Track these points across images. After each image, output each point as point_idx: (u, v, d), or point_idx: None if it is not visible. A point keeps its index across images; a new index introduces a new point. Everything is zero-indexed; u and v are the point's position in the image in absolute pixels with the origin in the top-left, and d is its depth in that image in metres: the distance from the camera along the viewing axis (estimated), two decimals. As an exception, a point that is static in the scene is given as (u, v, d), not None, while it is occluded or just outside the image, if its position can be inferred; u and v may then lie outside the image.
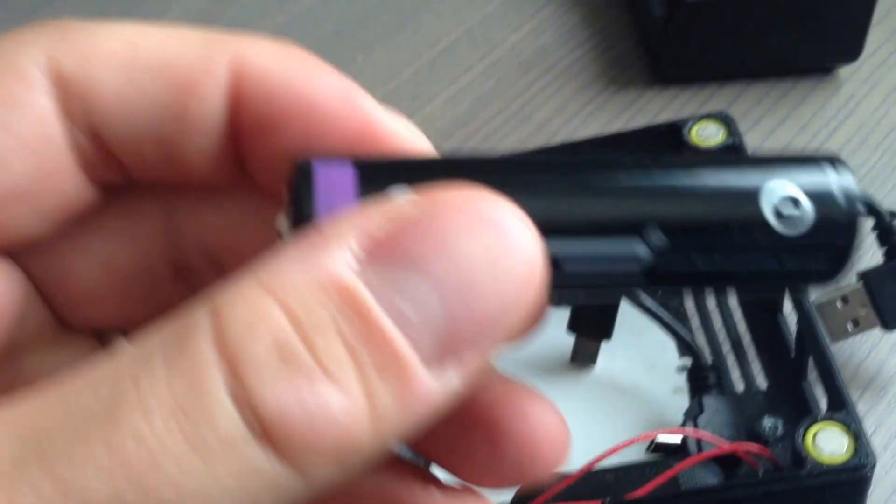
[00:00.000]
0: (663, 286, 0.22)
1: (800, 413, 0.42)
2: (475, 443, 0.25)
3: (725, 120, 0.49)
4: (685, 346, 0.48)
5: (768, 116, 0.61)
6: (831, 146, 0.60)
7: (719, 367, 0.48)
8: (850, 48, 0.62)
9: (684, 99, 0.62)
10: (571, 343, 0.49)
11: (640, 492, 0.40)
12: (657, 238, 0.21)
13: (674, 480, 0.41)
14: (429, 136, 0.59)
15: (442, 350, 0.20)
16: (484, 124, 0.61)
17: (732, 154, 0.48)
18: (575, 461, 0.42)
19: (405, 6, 0.68)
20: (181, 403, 0.19)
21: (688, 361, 0.48)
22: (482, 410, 0.24)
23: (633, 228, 0.22)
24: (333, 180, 0.21)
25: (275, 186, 0.24)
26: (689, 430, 0.43)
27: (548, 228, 0.21)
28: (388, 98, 0.62)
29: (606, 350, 0.49)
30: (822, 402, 0.44)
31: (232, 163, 0.25)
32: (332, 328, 0.19)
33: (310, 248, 0.20)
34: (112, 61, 0.23)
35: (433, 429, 0.22)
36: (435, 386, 0.20)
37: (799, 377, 0.45)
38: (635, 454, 0.44)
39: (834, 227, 0.22)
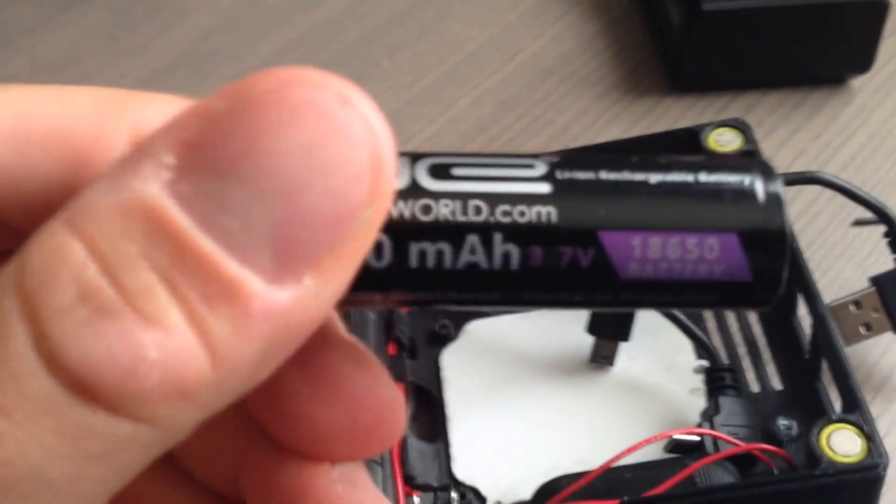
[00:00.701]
0: (574, 209, 0.19)
1: (814, 414, 0.43)
2: (323, 412, 0.22)
3: (742, 127, 0.49)
4: (702, 348, 0.49)
5: (783, 125, 0.62)
6: (844, 155, 0.61)
7: (735, 368, 0.48)
8: (863, 59, 0.63)
9: (701, 107, 0.63)
10: (590, 344, 0.50)
11: (658, 490, 0.41)
12: (550, 157, 0.20)
13: (690, 479, 0.42)
14: (452, 140, 0.61)
15: (286, 259, 0.17)
16: (506, 129, 0.62)
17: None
18: (594, 459, 0.43)
19: (430, 13, 0.69)
20: None
21: (704, 363, 0.49)
22: (324, 369, 0.22)
23: (529, 156, 0.20)
24: None
25: None
26: (706, 429, 0.44)
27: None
28: (412, 102, 0.63)
29: (625, 351, 0.50)
30: (836, 404, 0.44)
31: None
32: (141, 259, 0.17)
33: (120, 171, 0.17)
34: (1, 136, 0.21)
35: (271, 389, 0.21)
36: (285, 297, 0.17)
37: (813, 379, 0.46)
38: (653, 453, 0.44)
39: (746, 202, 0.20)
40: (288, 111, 0.17)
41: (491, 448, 0.47)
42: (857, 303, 0.49)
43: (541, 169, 0.20)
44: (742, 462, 0.43)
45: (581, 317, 0.49)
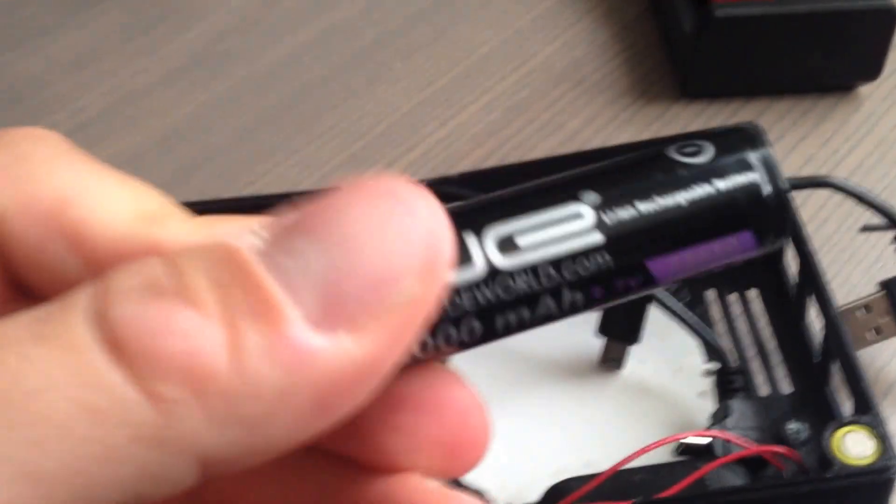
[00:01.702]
0: (625, 250, 0.22)
1: (824, 417, 0.43)
2: (404, 420, 0.23)
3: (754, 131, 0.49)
4: (711, 350, 0.49)
5: (791, 132, 0.62)
6: (852, 161, 0.61)
7: (745, 370, 0.49)
8: (871, 67, 0.63)
9: (711, 113, 0.63)
10: (600, 346, 0.50)
11: (669, 492, 0.41)
12: (592, 197, 0.22)
13: (701, 481, 0.41)
14: (463, 143, 0.61)
15: (328, 308, 0.19)
16: (516, 133, 0.62)
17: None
18: (603, 462, 0.43)
19: (443, 17, 0.69)
20: (41, 315, 0.19)
21: (714, 365, 0.49)
22: (410, 391, 0.23)
23: (569, 195, 0.22)
24: None
25: None
26: (717, 432, 0.44)
27: (494, 215, 0.21)
28: (425, 103, 0.64)
29: (634, 353, 0.50)
30: (846, 408, 0.45)
31: None
32: (205, 270, 0.19)
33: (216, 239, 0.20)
34: (33, 217, 0.22)
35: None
36: (319, 345, 0.19)
37: (824, 381, 0.46)
38: (662, 456, 0.44)
39: (737, 153, 0.22)
40: (369, 192, 0.19)
41: (498, 450, 0.46)
42: (866, 307, 0.50)
43: (588, 216, 0.22)
44: (752, 465, 0.43)
45: (590, 319, 0.49)
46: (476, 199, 0.22)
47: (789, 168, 0.60)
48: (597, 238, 0.22)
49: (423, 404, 0.23)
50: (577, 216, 0.22)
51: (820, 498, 0.40)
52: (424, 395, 0.23)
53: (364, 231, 0.19)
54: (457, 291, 0.21)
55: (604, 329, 0.49)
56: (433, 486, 0.23)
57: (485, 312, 0.21)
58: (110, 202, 0.23)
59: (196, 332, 0.18)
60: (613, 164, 0.23)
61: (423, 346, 0.21)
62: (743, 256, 0.23)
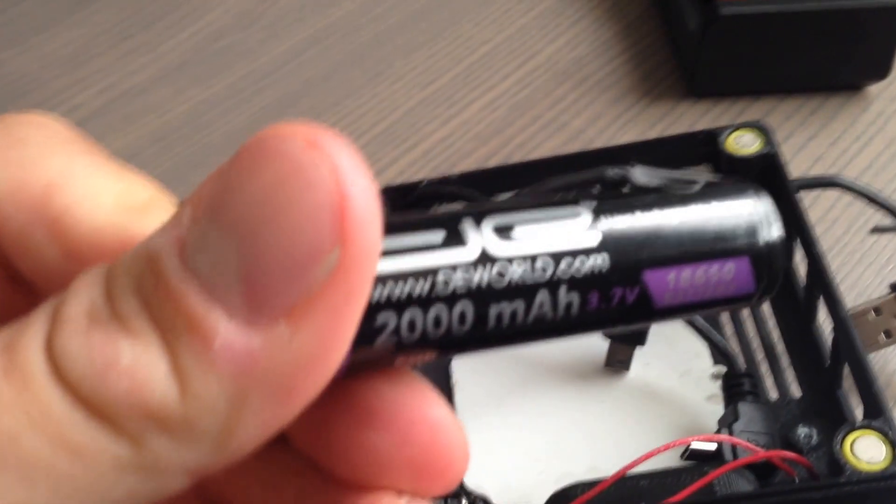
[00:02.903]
0: (622, 254, 0.22)
1: (834, 422, 0.42)
2: (372, 438, 0.22)
3: (762, 129, 0.49)
4: (719, 354, 0.48)
5: (800, 132, 0.62)
6: (861, 161, 0.60)
7: (753, 374, 0.48)
8: (881, 66, 0.63)
9: (717, 112, 0.63)
10: (605, 348, 0.49)
11: (676, 498, 0.40)
12: (591, 203, 0.22)
13: (709, 487, 0.41)
14: (465, 142, 0.61)
15: (254, 302, 0.18)
16: (519, 132, 0.62)
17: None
18: (609, 466, 0.43)
19: (445, 14, 0.68)
20: (6, 340, 0.19)
21: (722, 369, 0.48)
22: (381, 406, 0.22)
23: (569, 201, 0.22)
24: None
25: None
26: (725, 436, 0.43)
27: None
28: (426, 102, 0.63)
29: (640, 356, 0.49)
30: (857, 412, 0.44)
31: None
32: (132, 288, 0.18)
33: (154, 233, 0.19)
34: (22, 203, 0.22)
35: (322, 421, 0.22)
36: (256, 342, 0.18)
37: (834, 386, 0.45)
38: (669, 461, 0.44)
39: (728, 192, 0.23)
40: (258, 157, 0.18)
41: (502, 455, 0.47)
42: (876, 310, 0.49)
43: (586, 217, 0.22)
44: (761, 471, 0.42)
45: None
46: (476, 204, 0.22)
47: (798, 168, 0.59)
48: (594, 236, 0.22)
49: (393, 421, 0.22)
50: (576, 215, 0.22)
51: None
52: (395, 410, 0.22)
53: (263, 212, 0.18)
54: (450, 268, 0.20)
55: (609, 331, 0.48)
56: None
57: (477, 296, 0.21)
58: (97, 191, 0.23)
59: (138, 365, 0.18)
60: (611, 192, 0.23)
61: (412, 327, 0.20)
62: (738, 291, 0.23)
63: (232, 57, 0.66)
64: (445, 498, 0.45)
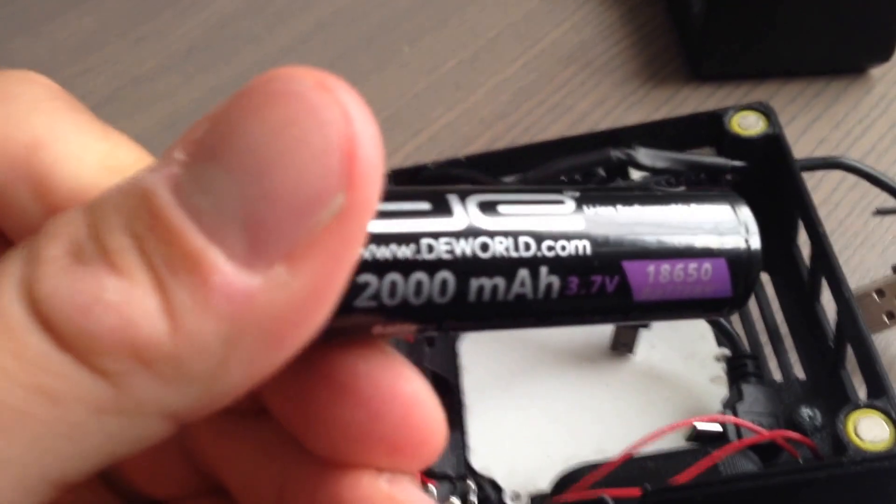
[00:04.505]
0: (602, 242, 0.22)
1: (838, 403, 0.42)
2: (346, 413, 0.22)
3: (765, 111, 0.49)
4: (724, 336, 0.48)
5: (803, 114, 0.62)
6: (864, 143, 0.60)
7: (757, 356, 0.48)
8: (883, 48, 0.63)
9: (721, 95, 0.63)
10: (610, 331, 0.49)
11: (681, 478, 0.40)
12: (576, 193, 0.22)
13: (714, 468, 0.41)
14: (471, 126, 0.61)
15: (255, 243, 0.18)
16: (525, 115, 0.62)
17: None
18: (614, 448, 0.43)
19: (450, 0, 0.69)
20: None
21: (726, 351, 0.48)
22: (356, 381, 0.22)
23: (553, 190, 0.22)
24: None
25: None
26: (729, 417, 0.43)
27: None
28: (433, 87, 0.63)
29: (645, 339, 0.49)
30: (860, 393, 0.44)
31: None
32: (122, 226, 0.18)
33: (139, 171, 0.19)
34: (4, 158, 0.22)
35: (299, 391, 0.22)
36: (254, 283, 0.18)
37: (837, 366, 0.45)
38: (674, 443, 0.44)
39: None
40: (266, 97, 0.18)
41: (508, 437, 0.47)
42: (879, 291, 0.49)
43: (570, 205, 0.22)
44: (765, 451, 0.42)
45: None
46: (469, 186, 0.23)
47: (801, 150, 0.59)
48: (577, 222, 0.22)
49: (367, 396, 0.22)
50: (560, 202, 0.22)
51: (835, 483, 0.39)
52: (369, 386, 0.22)
53: (271, 151, 0.18)
54: (434, 236, 0.21)
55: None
56: (382, 487, 0.23)
57: (459, 266, 0.21)
58: (82, 150, 0.22)
59: (126, 301, 0.18)
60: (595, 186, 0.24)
61: (392, 291, 0.20)
62: (715, 293, 0.23)
63: (240, 43, 0.66)
64: (454, 481, 0.45)
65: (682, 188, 0.24)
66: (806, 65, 0.64)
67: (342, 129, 0.18)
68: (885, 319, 0.49)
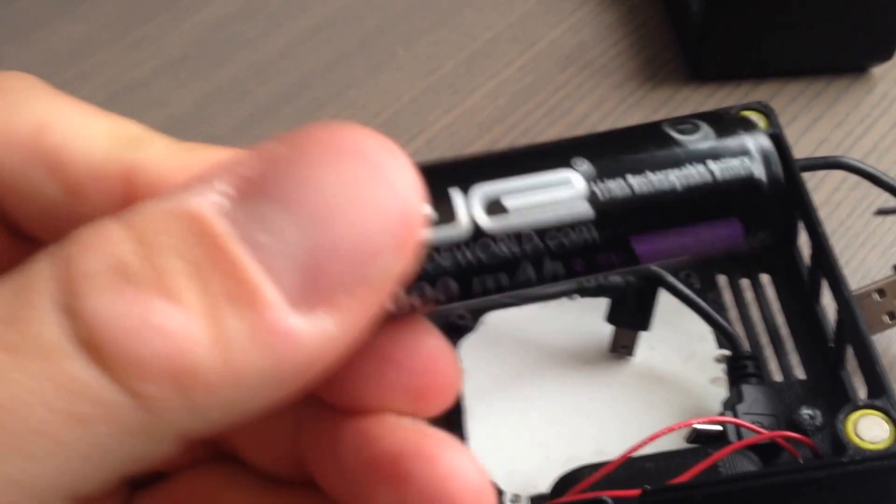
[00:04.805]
0: (611, 225, 0.22)
1: (838, 403, 0.42)
2: (369, 368, 0.23)
3: (766, 111, 0.49)
4: (724, 336, 0.48)
5: (804, 114, 0.61)
6: (866, 143, 0.60)
7: (757, 356, 0.48)
8: (884, 48, 0.63)
9: (721, 95, 0.62)
10: (609, 333, 0.49)
11: (681, 478, 0.40)
12: (584, 166, 0.21)
13: (714, 468, 0.41)
14: (468, 130, 0.61)
15: (308, 287, 0.18)
16: (523, 118, 0.62)
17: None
18: (614, 450, 0.43)
19: (446, 2, 0.68)
20: (5, 315, 0.18)
21: (726, 352, 0.48)
22: (373, 342, 0.22)
23: (561, 161, 0.22)
24: None
25: None
26: (729, 418, 0.43)
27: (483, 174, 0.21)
28: (429, 90, 0.63)
29: (645, 340, 0.49)
30: (861, 394, 0.44)
31: None
32: (177, 250, 0.18)
33: (174, 191, 0.19)
34: (15, 148, 0.23)
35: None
36: (303, 327, 0.18)
37: (837, 367, 0.45)
38: (674, 444, 0.44)
39: (736, 136, 0.23)
40: (338, 153, 0.19)
41: (508, 440, 0.47)
42: (880, 291, 0.49)
43: (578, 185, 0.21)
44: (765, 451, 0.42)
45: (600, 306, 0.49)
46: (466, 155, 0.22)
47: (802, 150, 0.59)
48: (584, 209, 0.22)
49: (391, 353, 0.23)
50: (567, 183, 0.22)
51: (835, 483, 0.39)
52: (392, 343, 0.23)
53: (339, 202, 0.19)
54: (436, 250, 0.21)
55: (613, 316, 0.48)
56: (409, 423, 0.23)
57: (463, 274, 0.21)
58: (88, 127, 0.23)
59: (177, 328, 0.18)
60: (608, 134, 0.23)
61: (397, 302, 0.21)
62: (728, 246, 0.23)
63: (234, 48, 0.66)
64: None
65: (699, 131, 0.23)
66: (806, 64, 0.63)
67: (406, 196, 0.19)
68: (887, 319, 0.49)
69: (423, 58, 0.65)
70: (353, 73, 0.65)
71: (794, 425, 0.43)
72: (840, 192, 0.57)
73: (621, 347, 0.49)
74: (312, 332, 0.19)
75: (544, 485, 0.44)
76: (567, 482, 0.43)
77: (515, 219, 0.21)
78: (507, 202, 0.21)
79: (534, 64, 0.65)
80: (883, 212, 0.52)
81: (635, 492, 0.39)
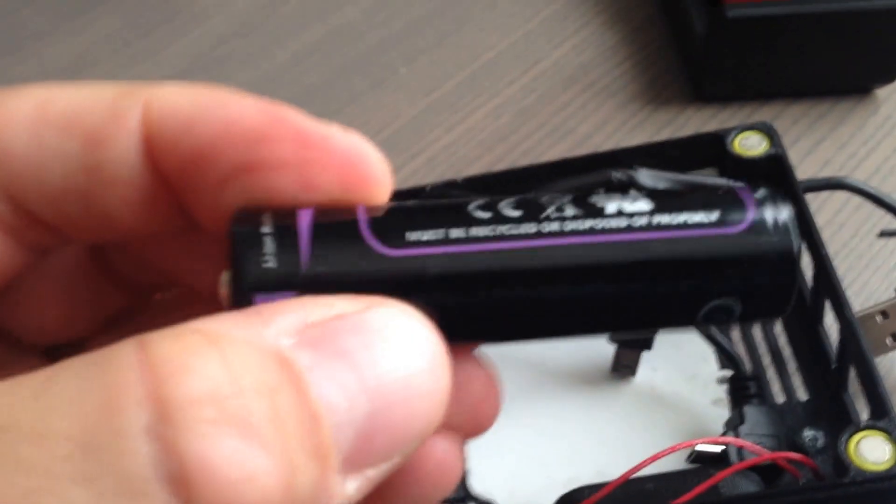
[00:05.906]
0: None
1: (841, 425, 0.42)
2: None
3: (768, 131, 0.48)
4: (726, 357, 0.48)
5: (807, 135, 0.61)
6: (869, 165, 0.60)
7: (760, 378, 0.48)
8: (888, 69, 0.62)
9: (724, 117, 0.62)
10: (612, 353, 0.49)
11: (682, 499, 0.40)
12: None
13: (714, 489, 0.41)
14: (470, 148, 0.60)
15: (356, 454, 0.19)
16: (525, 138, 0.62)
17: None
18: (615, 471, 0.42)
19: (448, 20, 0.68)
20: (87, 432, 0.17)
21: (728, 372, 0.48)
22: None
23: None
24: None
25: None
26: (730, 438, 0.43)
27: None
28: (430, 110, 0.63)
29: (647, 360, 0.49)
30: (863, 416, 0.44)
31: (169, 210, 0.24)
32: (264, 391, 0.18)
33: (248, 317, 0.19)
34: (21, 123, 0.23)
35: None
36: (340, 489, 0.19)
37: (840, 388, 0.45)
38: (675, 464, 0.43)
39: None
40: (403, 342, 0.20)
41: (508, 460, 0.47)
42: (883, 313, 0.49)
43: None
44: (767, 473, 0.42)
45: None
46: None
47: (806, 172, 0.59)
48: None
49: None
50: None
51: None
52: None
53: (398, 385, 0.20)
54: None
55: (615, 335, 0.48)
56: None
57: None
58: (90, 89, 0.23)
59: (257, 469, 0.18)
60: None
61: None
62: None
63: (233, 64, 0.66)
64: (452, 503, 0.45)
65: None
66: (810, 86, 0.63)
67: (443, 385, 0.21)
68: (890, 341, 0.49)
69: (425, 76, 0.65)
70: (353, 90, 0.64)
71: (797, 447, 0.43)
72: (843, 214, 0.57)
73: (623, 367, 0.49)
74: (347, 494, 0.20)
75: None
76: (567, 502, 0.42)
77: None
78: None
79: (536, 83, 0.64)
80: (886, 234, 0.52)
81: (636, 512, 0.39)
